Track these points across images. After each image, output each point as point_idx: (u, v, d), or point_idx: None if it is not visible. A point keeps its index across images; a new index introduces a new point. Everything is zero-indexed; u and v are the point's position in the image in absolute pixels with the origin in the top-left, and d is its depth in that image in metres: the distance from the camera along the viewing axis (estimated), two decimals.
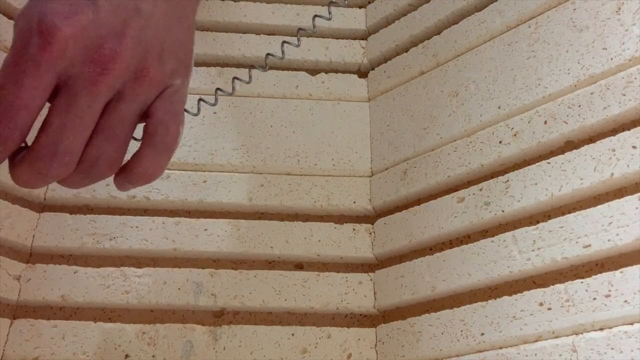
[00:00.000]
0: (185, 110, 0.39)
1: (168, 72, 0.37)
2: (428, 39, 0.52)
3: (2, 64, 0.32)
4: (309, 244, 0.48)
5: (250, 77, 0.43)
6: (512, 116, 0.43)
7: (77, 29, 0.32)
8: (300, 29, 0.43)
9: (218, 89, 0.42)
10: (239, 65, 0.55)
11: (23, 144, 0.34)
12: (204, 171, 0.50)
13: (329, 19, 0.43)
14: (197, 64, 0.55)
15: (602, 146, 0.36)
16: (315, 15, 0.43)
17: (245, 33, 0.56)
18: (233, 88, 0.42)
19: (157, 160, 0.36)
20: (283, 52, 0.43)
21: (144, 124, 0.36)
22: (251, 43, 0.56)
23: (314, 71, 0.55)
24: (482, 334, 0.38)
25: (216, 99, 0.42)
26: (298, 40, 0.43)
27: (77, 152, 0.34)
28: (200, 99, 0.41)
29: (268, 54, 0.44)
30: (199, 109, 0.41)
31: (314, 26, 0.43)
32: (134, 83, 0.35)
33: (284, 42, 0.43)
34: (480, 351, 0.38)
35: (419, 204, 0.46)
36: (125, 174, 0.37)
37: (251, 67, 0.43)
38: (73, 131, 0.33)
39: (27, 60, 0.32)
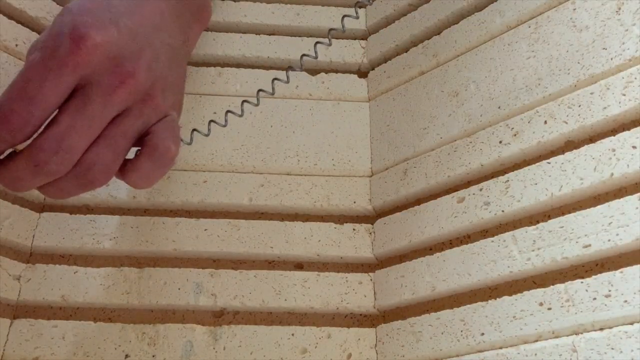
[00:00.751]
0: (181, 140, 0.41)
1: (168, 104, 0.40)
2: (428, 39, 0.52)
3: (30, 61, 0.34)
4: (309, 244, 0.48)
5: (242, 111, 0.45)
6: (512, 116, 0.43)
7: (105, 41, 0.35)
8: (317, 42, 0.44)
9: (212, 120, 0.45)
10: (238, 65, 0.55)
11: (13, 149, 0.35)
12: (204, 171, 0.50)
13: (343, 31, 0.44)
14: (197, 64, 0.55)
15: (602, 146, 0.37)
16: (331, 29, 0.44)
17: (245, 33, 0.56)
18: (209, 130, 0.45)
19: (153, 172, 0.38)
20: (302, 65, 0.45)
21: (142, 143, 0.38)
22: (251, 43, 0.56)
23: (313, 71, 0.55)
24: (482, 334, 0.38)
25: (209, 130, 0.44)
26: (316, 53, 0.44)
27: (77, 153, 0.35)
28: (193, 130, 0.44)
29: (274, 79, 0.45)
30: (191, 139, 0.43)
31: (330, 41, 0.44)
32: (141, 104, 0.37)
33: (304, 57, 0.45)
34: (480, 351, 0.38)
35: (419, 204, 0.46)
36: (117, 176, 0.39)
37: (246, 100, 0.45)
38: (80, 132, 0.35)
39: (55, 61, 0.33)
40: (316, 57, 0.44)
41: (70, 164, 0.35)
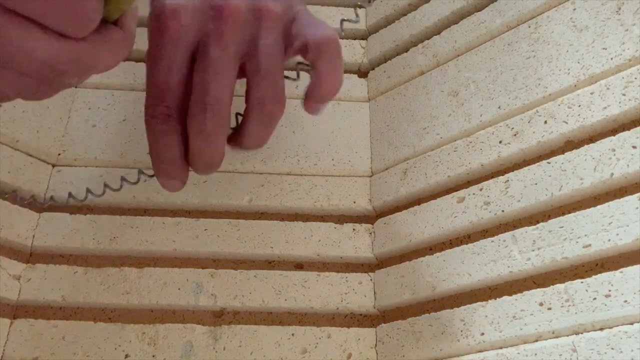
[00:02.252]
0: (286, 77, 0.40)
1: (284, 5, 0.38)
2: (428, 39, 0.52)
3: (147, 52, 0.36)
4: (309, 244, 0.48)
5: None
6: (512, 116, 0.43)
7: (182, 3, 0.35)
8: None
9: (299, 62, 0.42)
10: None
11: None
12: None
13: (357, 21, 0.44)
14: None
15: (602, 146, 0.37)
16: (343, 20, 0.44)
17: None
18: None
19: (336, 75, 0.39)
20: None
21: (246, 102, 0.38)
22: None
23: None
24: (482, 334, 0.38)
25: (298, 74, 0.42)
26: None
27: (225, 100, 0.36)
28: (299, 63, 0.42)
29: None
30: (298, 75, 0.42)
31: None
32: (259, 22, 0.36)
33: None
34: (480, 351, 0.38)
35: (419, 204, 0.46)
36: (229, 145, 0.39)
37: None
38: (215, 82, 0.35)
39: (155, 48, 0.35)
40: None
41: (225, 113, 0.36)
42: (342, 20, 0.43)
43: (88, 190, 0.45)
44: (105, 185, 0.44)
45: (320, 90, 0.39)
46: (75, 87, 0.54)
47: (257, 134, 0.38)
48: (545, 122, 0.40)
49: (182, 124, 0.36)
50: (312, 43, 0.37)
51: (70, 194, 0.46)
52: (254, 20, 0.37)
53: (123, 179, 0.42)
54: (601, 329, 0.33)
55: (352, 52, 0.56)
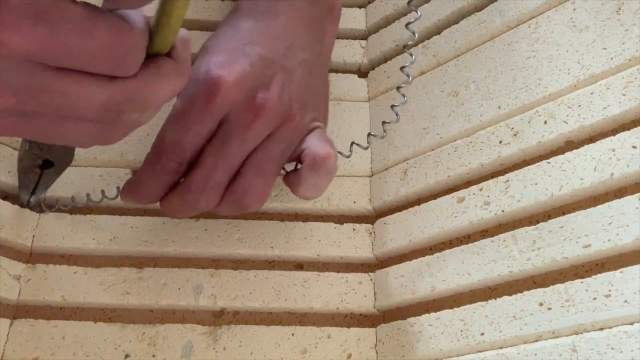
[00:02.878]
0: (339, 153, 0.43)
1: (310, 119, 0.41)
2: (428, 39, 0.52)
3: (172, 111, 0.37)
4: (309, 244, 0.48)
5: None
6: (512, 116, 0.43)
7: (237, 78, 0.36)
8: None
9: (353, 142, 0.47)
10: None
11: None
12: None
13: (366, 148, 0.47)
14: None
15: (602, 146, 0.37)
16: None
17: None
18: None
19: (319, 181, 0.41)
20: None
21: (301, 159, 0.40)
22: None
23: None
24: (482, 334, 0.38)
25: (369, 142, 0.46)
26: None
27: (223, 187, 0.39)
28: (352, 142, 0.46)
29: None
30: (350, 151, 0.46)
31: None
32: (282, 127, 0.39)
33: None
34: (480, 351, 0.38)
35: (419, 204, 0.46)
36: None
37: None
38: (222, 169, 0.38)
39: (195, 110, 0.36)
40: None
41: (219, 196, 0.39)
42: (352, 143, 0.46)
43: (88, 196, 0.46)
44: (103, 195, 0.46)
45: (295, 192, 0.42)
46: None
47: (224, 212, 0.41)
48: (545, 122, 0.40)
49: (182, 175, 0.39)
50: (310, 153, 0.40)
51: (73, 198, 0.46)
52: (279, 122, 0.39)
53: (118, 189, 0.43)
54: (601, 329, 0.33)
55: (352, 52, 0.56)
